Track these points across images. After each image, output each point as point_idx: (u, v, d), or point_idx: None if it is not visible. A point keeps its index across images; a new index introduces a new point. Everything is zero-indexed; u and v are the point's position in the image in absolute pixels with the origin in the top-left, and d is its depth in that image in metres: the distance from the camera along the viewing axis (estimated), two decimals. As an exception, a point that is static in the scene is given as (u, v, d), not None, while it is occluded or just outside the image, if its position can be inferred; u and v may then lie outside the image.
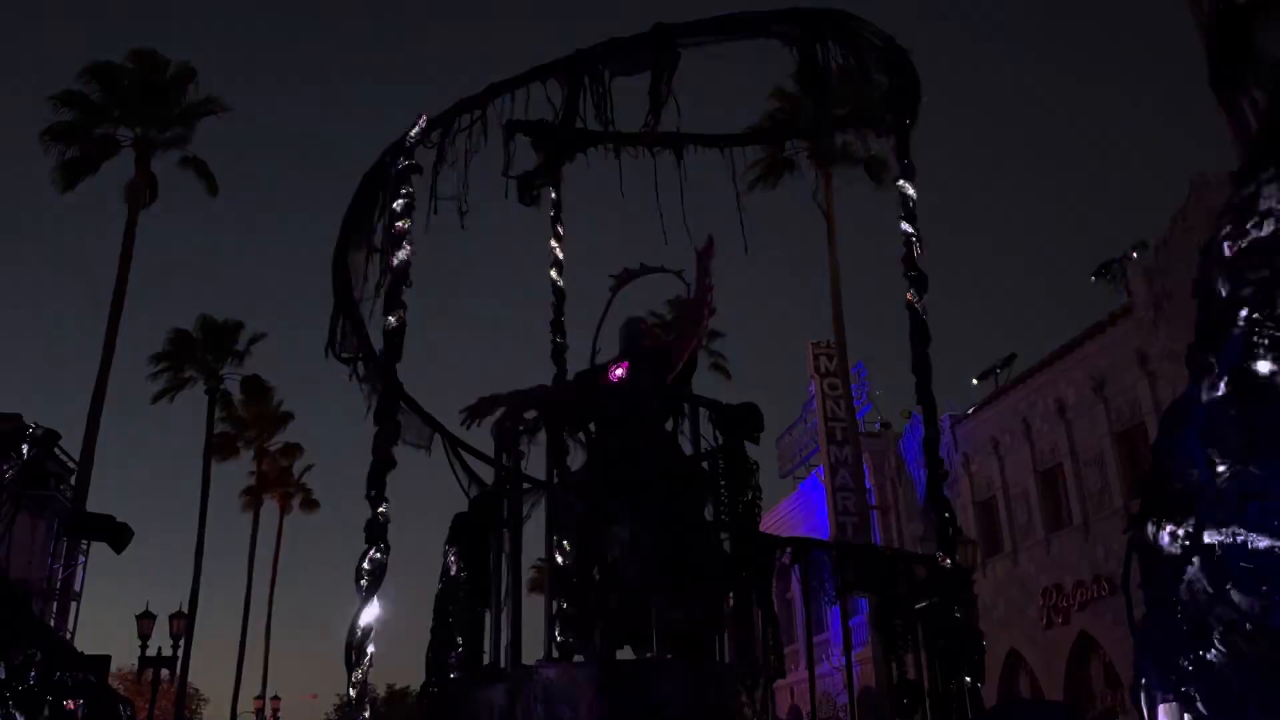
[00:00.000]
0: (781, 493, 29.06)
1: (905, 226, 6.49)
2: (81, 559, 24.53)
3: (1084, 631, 18.91)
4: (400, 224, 6.08)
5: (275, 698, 38.83)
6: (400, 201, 6.11)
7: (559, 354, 7.83)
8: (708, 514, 5.49)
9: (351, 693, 5.45)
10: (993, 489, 21.92)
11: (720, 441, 5.56)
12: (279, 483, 40.23)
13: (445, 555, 6.17)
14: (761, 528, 6.24)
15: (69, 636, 22.62)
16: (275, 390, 36.98)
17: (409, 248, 6.06)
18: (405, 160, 6.17)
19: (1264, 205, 2.85)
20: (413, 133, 6.20)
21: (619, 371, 6.02)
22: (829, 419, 24.11)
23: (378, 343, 6.03)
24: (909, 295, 6.34)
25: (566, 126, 5.97)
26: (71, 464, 23.94)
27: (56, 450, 23.88)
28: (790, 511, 28.39)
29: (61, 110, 24.14)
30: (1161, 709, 3.01)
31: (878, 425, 26.19)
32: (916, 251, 6.38)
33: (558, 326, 7.90)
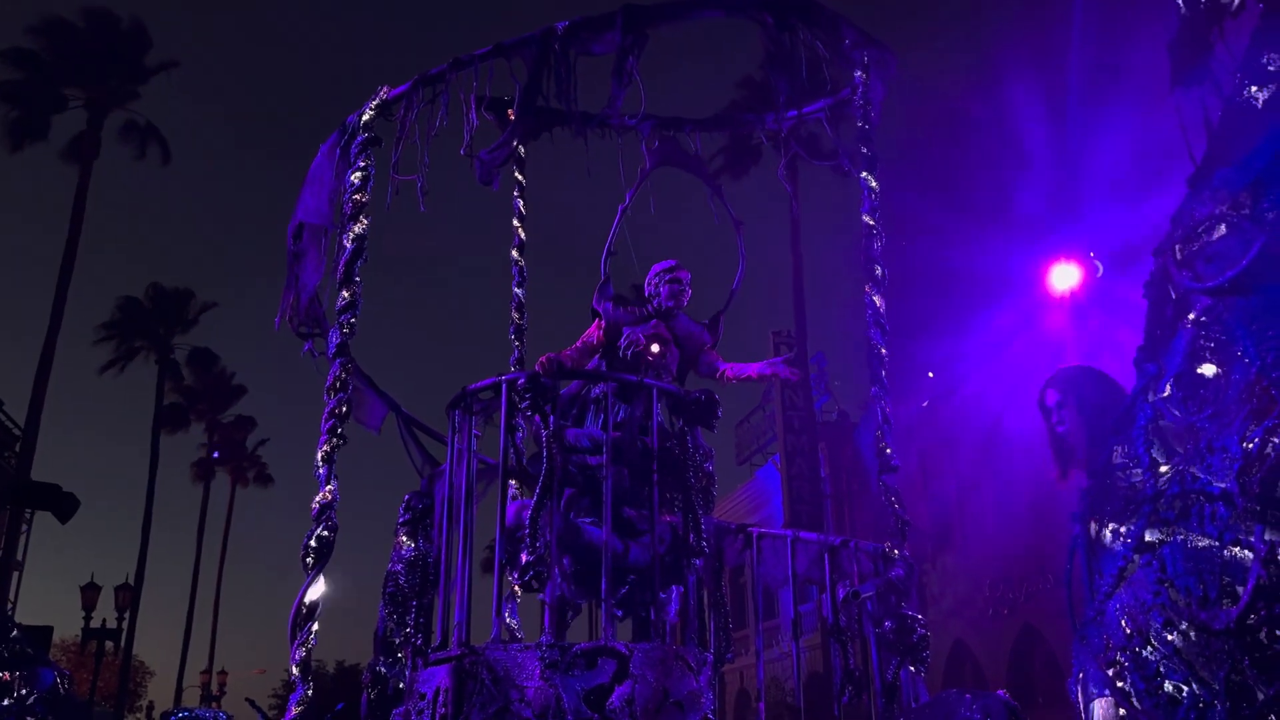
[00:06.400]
0: (739, 479, 29.30)
1: (866, 218, 6.50)
2: (25, 528, 24.07)
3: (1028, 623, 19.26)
4: (357, 197, 5.99)
5: (222, 672, 38.45)
6: (358, 174, 6.01)
7: (520, 334, 7.87)
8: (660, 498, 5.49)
9: (295, 670, 5.40)
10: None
11: (677, 428, 5.54)
12: (231, 456, 39.70)
13: (396, 534, 6.11)
14: (717, 513, 6.23)
15: (10, 607, 22.20)
16: (228, 363, 36.56)
17: (365, 221, 5.97)
18: (364, 133, 6.08)
19: (1215, 209, 2.89)
20: (372, 104, 6.11)
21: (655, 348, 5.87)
22: (787, 408, 24.30)
23: (333, 318, 5.94)
24: (866, 287, 6.36)
25: (530, 104, 5.92)
26: (16, 431, 23.45)
27: (0, 416, 23.39)
28: (746, 498, 28.63)
29: (9, 69, 23.51)
30: (1097, 703, 3.06)
31: (835, 415, 26.46)
32: (876, 244, 6.40)
33: (520, 306, 7.92)
